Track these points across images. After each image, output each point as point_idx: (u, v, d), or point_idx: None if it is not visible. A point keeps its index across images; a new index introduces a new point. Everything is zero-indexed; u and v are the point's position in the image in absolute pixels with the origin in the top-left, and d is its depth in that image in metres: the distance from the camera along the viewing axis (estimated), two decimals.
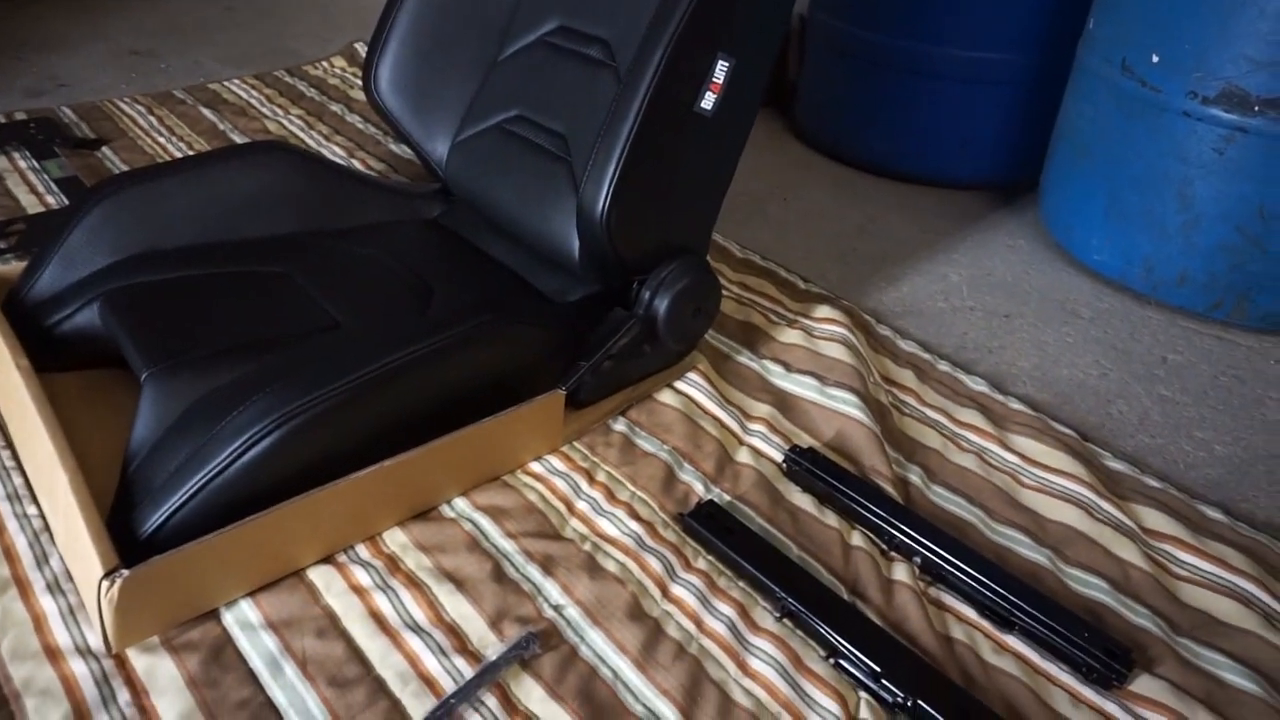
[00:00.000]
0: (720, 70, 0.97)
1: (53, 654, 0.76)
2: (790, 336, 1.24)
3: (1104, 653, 0.81)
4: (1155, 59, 1.31)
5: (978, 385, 1.21)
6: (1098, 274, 1.50)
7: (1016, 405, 1.17)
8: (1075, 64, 1.49)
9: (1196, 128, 1.28)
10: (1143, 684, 0.81)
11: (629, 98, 0.95)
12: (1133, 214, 1.39)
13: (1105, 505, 1.00)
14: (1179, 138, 1.31)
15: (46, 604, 0.80)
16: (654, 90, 0.93)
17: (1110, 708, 0.80)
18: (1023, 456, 1.08)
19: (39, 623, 0.78)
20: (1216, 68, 1.25)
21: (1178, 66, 1.29)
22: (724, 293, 1.31)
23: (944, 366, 1.25)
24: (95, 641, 0.77)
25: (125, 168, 1.55)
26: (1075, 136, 1.49)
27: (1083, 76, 1.47)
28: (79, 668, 0.75)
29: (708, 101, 0.97)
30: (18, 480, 0.92)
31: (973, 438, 1.11)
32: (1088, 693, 0.81)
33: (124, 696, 0.73)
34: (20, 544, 0.85)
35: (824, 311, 1.29)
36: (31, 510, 0.89)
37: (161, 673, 0.75)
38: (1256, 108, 1.23)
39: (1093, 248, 1.48)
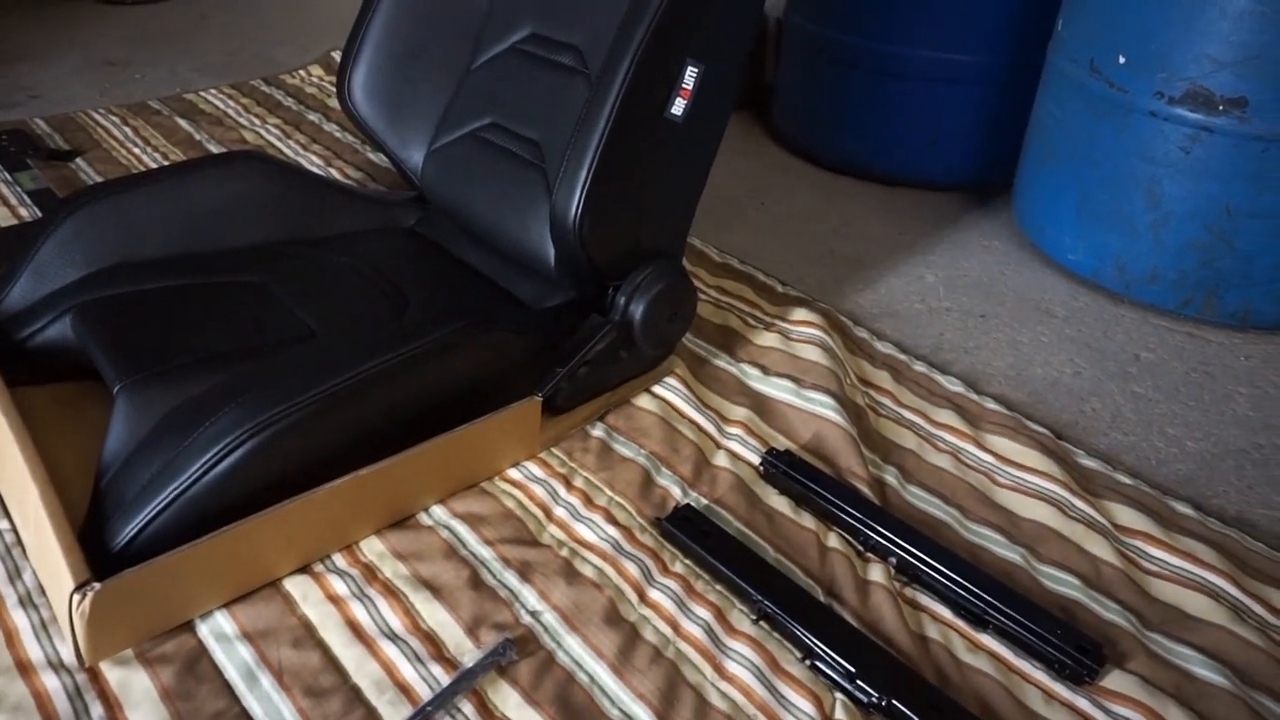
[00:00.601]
0: (689, 76, 0.97)
1: (25, 669, 0.75)
2: (767, 340, 1.25)
3: (1076, 649, 0.82)
4: (1122, 60, 1.33)
5: (954, 386, 1.22)
6: (1071, 273, 1.51)
7: (992, 405, 1.18)
8: (1045, 65, 1.51)
9: (1163, 127, 1.30)
10: (1114, 679, 0.82)
11: (599, 104, 0.95)
12: (1103, 213, 1.41)
13: (1078, 503, 1.01)
14: (1146, 137, 1.32)
15: (19, 618, 0.79)
16: (623, 96, 0.94)
17: (1082, 704, 0.80)
18: (997, 456, 1.09)
19: (11, 638, 0.78)
20: (1181, 68, 1.27)
21: (1144, 67, 1.30)
22: (702, 296, 1.32)
23: (920, 367, 1.26)
24: (68, 655, 0.76)
25: (100, 179, 1.54)
26: (1046, 137, 1.50)
27: (1052, 77, 1.49)
28: (51, 682, 0.74)
29: (678, 107, 0.98)
30: None
31: (948, 438, 1.12)
32: (1060, 689, 0.82)
33: (97, 711, 0.73)
34: None
35: (801, 314, 1.29)
36: (3, 525, 0.88)
37: (135, 686, 0.74)
38: (1221, 107, 1.25)
39: (1066, 247, 1.49)
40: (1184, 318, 1.41)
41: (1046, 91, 1.51)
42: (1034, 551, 0.96)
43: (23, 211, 1.43)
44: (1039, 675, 0.83)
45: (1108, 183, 1.39)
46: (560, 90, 1.10)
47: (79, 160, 1.62)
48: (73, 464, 0.86)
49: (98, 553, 0.76)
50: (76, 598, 0.72)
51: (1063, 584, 0.92)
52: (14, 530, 0.87)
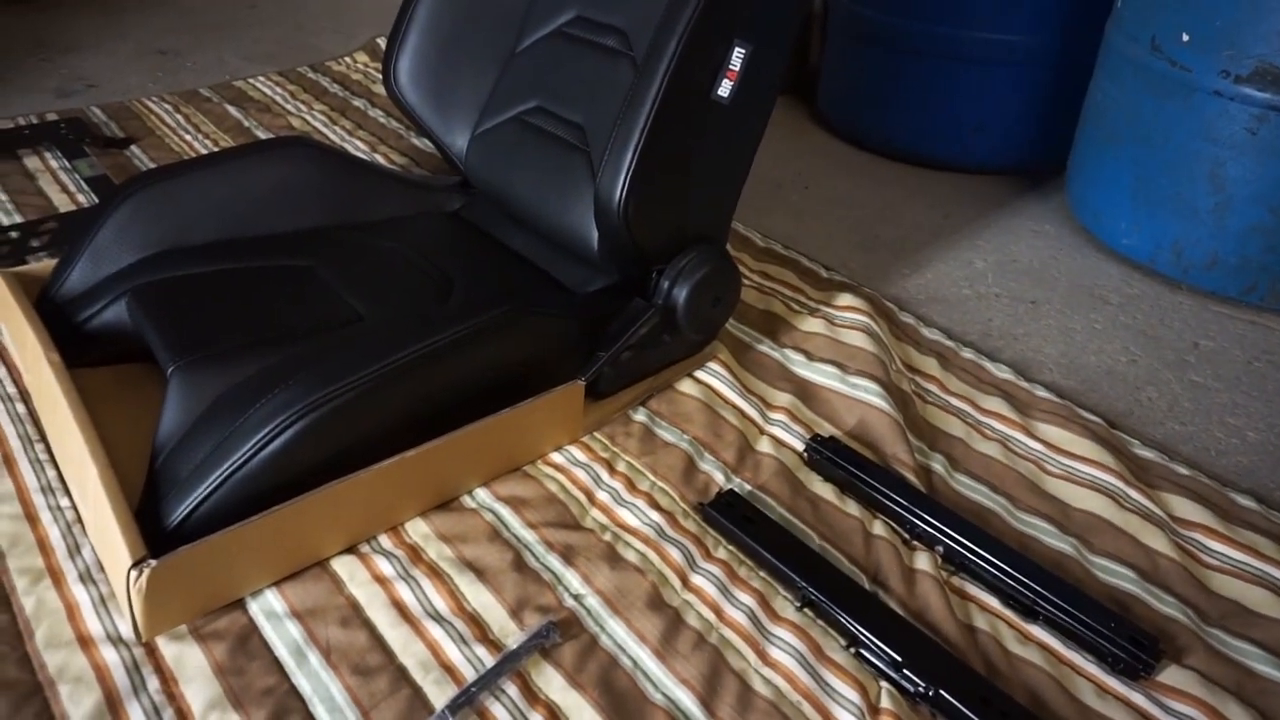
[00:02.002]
0: (736, 58, 0.96)
1: (85, 642, 0.77)
2: (812, 325, 1.24)
3: (1130, 643, 0.80)
4: (1185, 37, 1.28)
5: (1002, 372, 1.19)
6: (1126, 259, 1.47)
7: (1042, 393, 1.15)
8: (1103, 44, 1.46)
9: (1228, 107, 1.26)
10: (1171, 675, 0.80)
11: (645, 86, 0.94)
12: (1162, 197, 1.37)
13: (1133, 493, 0.98)
14: (1210, 118, 1.28)
15: (79, 594, 0.82)
16: (670, 78, 0.93)
17: (1137, 699, 0.78)
18: (1048, 444, 1.06)
19: (72, 612, 0.80)
20: (1249, 45, 1.22)
21: (1209, 44, 1.26)
22: (745, 282, 1.30)
23: (968, 354, 1.23)
24: (126, 630, 0.78)
25: (153, 165, 1.57)
26: (1103, 119, 1.46)
27: (1110, 57, 1.44)
28: (110, 656, 0.76)
29: (724, 89, 0.97)
30: (51, 473, 0.94)
31: (997, 425, 1.09)
32: (1114, 683, 0.80)
33: (154, 684, 0.74)
34: (54, 535, 0.87)
35: (846, 300, 1.28)
36: (64, 502, 0.91)
37: (190, 661, 0.76)
38: None
39: (1121, 232, 1.45)
40: (1246, 305, 1.36)
41: (1103, 71, 1.47)
42: (1086, 542, 0.94)
43: (80, 198, 1.47)
44: (1091, 669, 0.81)
45: (1168, 165, 1.35)
46: (605, 73, 1.09)
47: (134, 147, 1.65)
48: (129, 444, 0.88)
49: (153, 531, 0.77)
50: (134, 574, 0.73)
51: (1117, 576, 0.90)
52: (74, 508, 0.90)
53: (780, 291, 1.33)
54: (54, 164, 1.57)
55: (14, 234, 1.34)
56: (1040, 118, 1.68)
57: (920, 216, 1.61)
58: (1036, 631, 0.84)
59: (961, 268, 1.46)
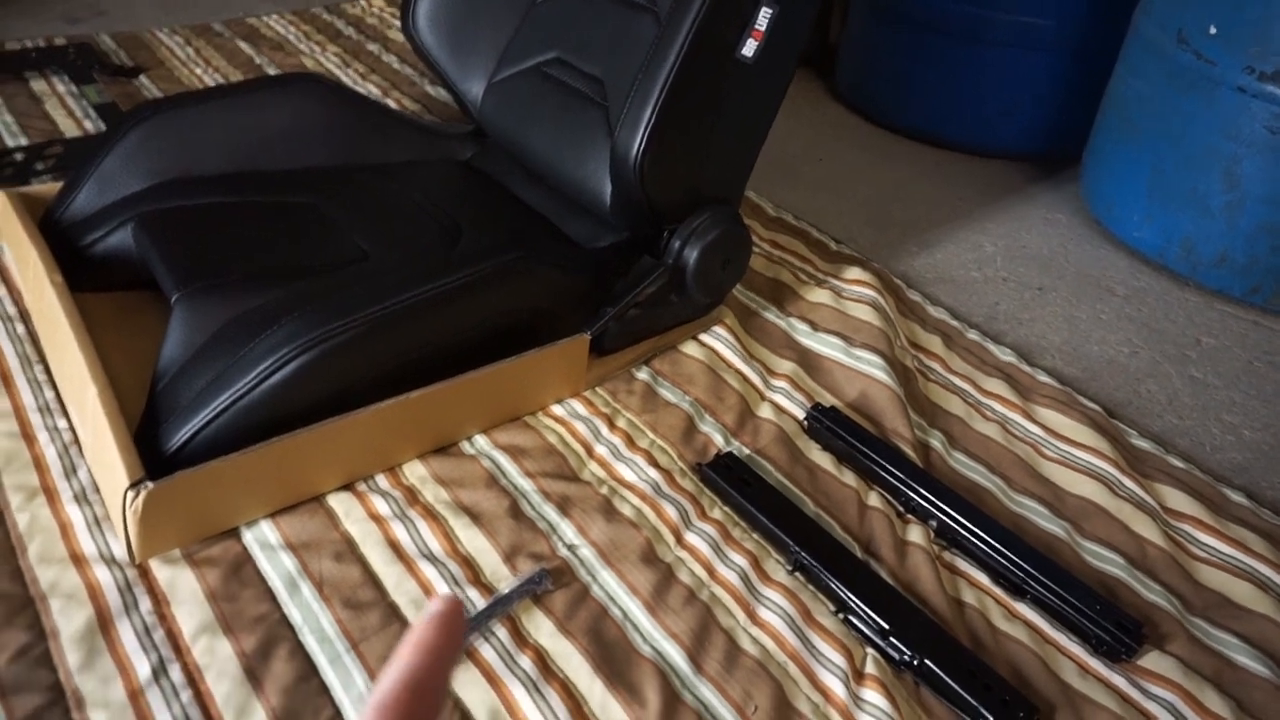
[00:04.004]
0: (763, 17, 0.95)
1: (78, 560, 0.77)
2: (819, 296, 1.23)
3: (1115, 626, 0.81)
4: (1213, 31, 1.27)
5: (1006, 355, 1.19)
6: (1136, 252, 1.47)
7: (1044, 378, 1.16)
8: (1130, 33, 1.45)
9: (1250, 104, 1.25)
10: (1152, 660, 0.81)
11: (669, 41, 0.93)
12: (1176, 191, 1.36)
13: (1127, 482, 0.99)
14: (1231, 114, 1.27)
15: (73, 513, 0.82)
16: (694, 34, 0.92)
17: (1117, 681, 0.79)
18: (1046, 429, 1.07)
19: (65, 530, 0.80)
20: (1277, 42, 1.21)
21: (1236, 40, 1.25)
22: (755, 249, 1.30)
23: (973, 335, 1.23)
24: (119, 551, 0.78)
25: (162, 96, 1.55)
26: (1122, 109, 1.45)
27: (1135, 46, 1.43)
28: (103, 575, 0.76)
29: (749, 48, 0.96)
30: (49, 394, 0.93)
31: (997, 407, 1.10)
32: (1095, 664, 0.81)
33: (145, 605, 0.75)
34: (50, 455, 0.87)
35: (854, 273, 1.27)
36: (62, 424, 0.90)
37: (182, 585, 0.76)
38: None
39: (1132, 225, 1.45)
40: (1250, 305, 1.36)
41: (1127, 61, 1.45)
42: (1078, 527, 0.94)
43: (88, 124, 1.45)
44: (1075, 649, 0.82)
45: (1185, 160, 1.34)
46: (627, 27, 1.08)
47: (142, 77, 1.63)
48: (129, 370, 0.88)
49: (151, 455, 0.77)
50: (130, 495, 0.73)
51: (1106, 561, 0.90)
52: (71, 429, 0.90)
53: (789, 261, 1.32)
54: (61, 89, 1.55)
55: (19, 156, 1.32)
56: (1059, 105, 1.67)
57: (933, 197, 1.60)
58: (1023, 610, 0.85)
59: (971, 250, 1.45)
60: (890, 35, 1.75)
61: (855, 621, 0.80)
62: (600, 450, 0.95)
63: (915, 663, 0.76)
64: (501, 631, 0.76)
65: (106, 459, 0.77)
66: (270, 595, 0.77)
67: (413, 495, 0.87)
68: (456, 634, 0.24)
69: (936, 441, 1.03)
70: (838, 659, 0.77)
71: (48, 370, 0.96)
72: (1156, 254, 1.42)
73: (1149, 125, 1.39)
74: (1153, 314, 1.34)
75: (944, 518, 0.90)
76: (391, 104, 1.63)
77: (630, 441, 0.96)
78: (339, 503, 0.86)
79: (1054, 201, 1.62)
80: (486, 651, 0.74)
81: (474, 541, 0.83)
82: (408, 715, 0.21)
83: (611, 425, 0.98)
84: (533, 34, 1.20)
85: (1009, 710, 0.73)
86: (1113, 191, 1.48)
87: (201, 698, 0.69)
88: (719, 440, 0.98)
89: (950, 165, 1.71)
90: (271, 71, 1.71)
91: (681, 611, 0.79)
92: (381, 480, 0.89)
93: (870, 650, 0.78)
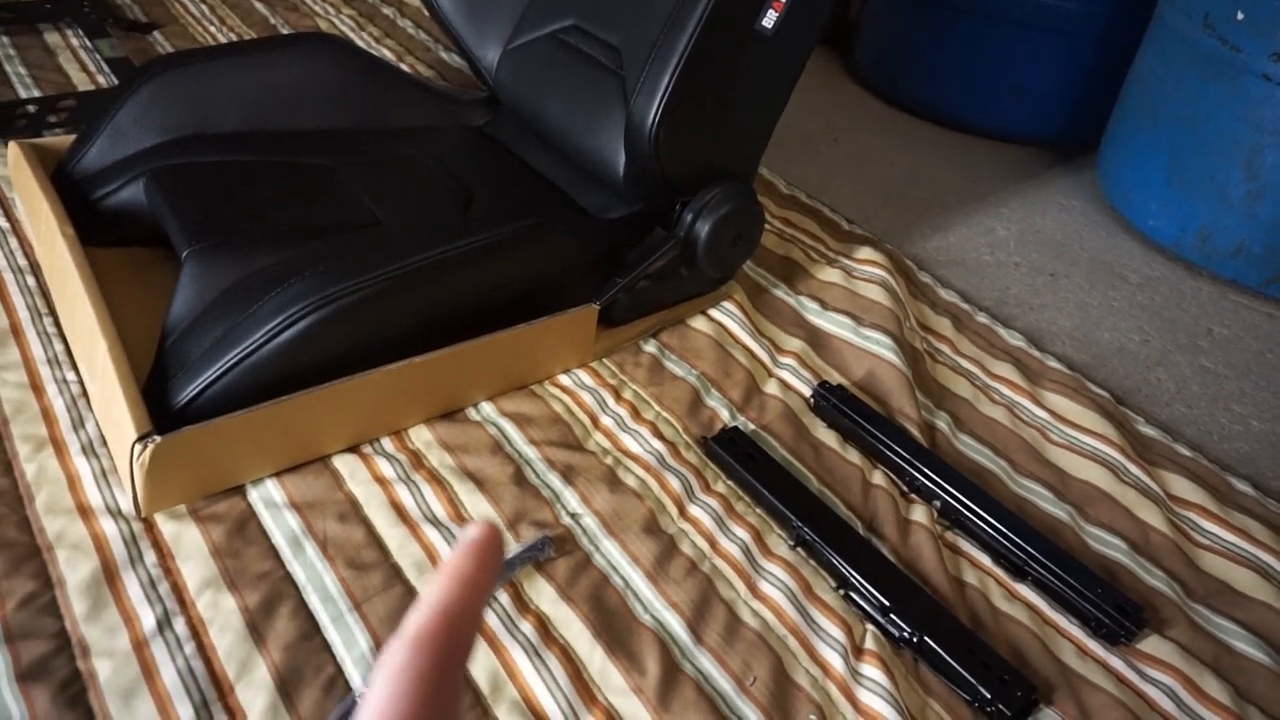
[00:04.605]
0: None
1: (85, 512, 0.78)
2: (829, 275, 1.23)
3: (1115, 609, 0.81)
4: (1240, 16, 1.25)
5: (1015, 340, 1.19)
6: (1150, 240, 1.45)
7: (1053, 363, 1.15)
8: (1154, 17, 1.43)
9: (1276, 93, 1.23)
10: (1151, 643, 0.81)
11: (688, 10, 0.92)
12: (1195, 180, 1.35)
13: (1133, 468, 0.99)
14: (1255, 102, 1.25)
15: (81, 465, 0.82)
16: (715, 3, 0.91)
17: (1116, 663, 0.80)
18: (1054, 413, 1.06)
19: (73, 482, 0.80)
20: None
21: (1264, 26, 1.23)
22: (766, 227, 1.29)
23: (982, 318, 1.23)
24: (126, 504, 0.79)
25: None
26: (1144, 95, 1.43)
27: (1159, 31, 1.41)
28: (109, 527, 0.77)
29: (769, 19, 0.94)
30: (58, 346, 0.94)
31: (1005, 391, 1.09)
32: (1095, 646, 0.81)
33: (150, 558, 0.75)
34: (58, 407, 0.87)
35: (865, 253, 1.26)
36: (70, 376, 0.91)
37: (187, 540, 0.77)
38: None
39: (1149, 213, 1.43)
40: (1265, 297, 1.35)
41: (1150, 46, 1.44)
42: (1082, 511, 0.94)
43: (100, 79, 1.44)
44: (1074, 630, 0.82)
45: (1205, 147, 1.33)
46: None
47: (156, 33, 1.62)
48: (139, 324, 0.88)
49: (159, 410, 0.77)
50: (138, 448, 0.74)
51: (1109, 546, 0.90)
52: (80, 382, 0.90)
53: (800, 239, 1.31)
54: (74, 42, 1.54)
55: (31, 108, 1.32)
56: (1080, 90, 1.65)
57: (948, 179, 1.59)
58: (1024, 591, 0.85)
59: (984, 234, 1.44)
60: (911, 16, 1.73)
61: (856, 598, 0.80)
62: (606, 421, 0.95)
63: (915, 640, 0.77)
64: (503, 597, 0.76)
65: (114, 412, 0.78)
66: (274, 553, 0.77)
67: (418, 459, 0.88)
68: (494, 564, 0.23)
69: (943, 423, 1.03)
70: (838, 634, 0.77)
71: (58, 323, 0.96)
72: (1172, 243, 1.41)
73: (1170, 112, 1.37)
74: (1165, 303, 1.33)
75: (948, 498, 0.90)
76: (405, 69, 1.62)
77: (636, 413, 0.96)
78: (344, 464, 0.86)
79: (1070, 187, 1.61)
80: (487, 616, 0.75)
81: (478, 507, 0.84)
82: (442, 648, 0.21)
83: (618, 396, 0.98)
84: (550, 1, 1.19)
85: (1007, 689, 0.73)
86: (1130, 178, 1.47)
87: (205, 651, 0.69)
88: (725, 415, 0.98)
89: (966, 149, 1.69)
90: (286, 31, 1.69)
91: (683, 582, 0.79)
92: (387, 443, 0.89)
93: (870, 626, 0.79)
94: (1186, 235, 1.38)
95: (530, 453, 0.90)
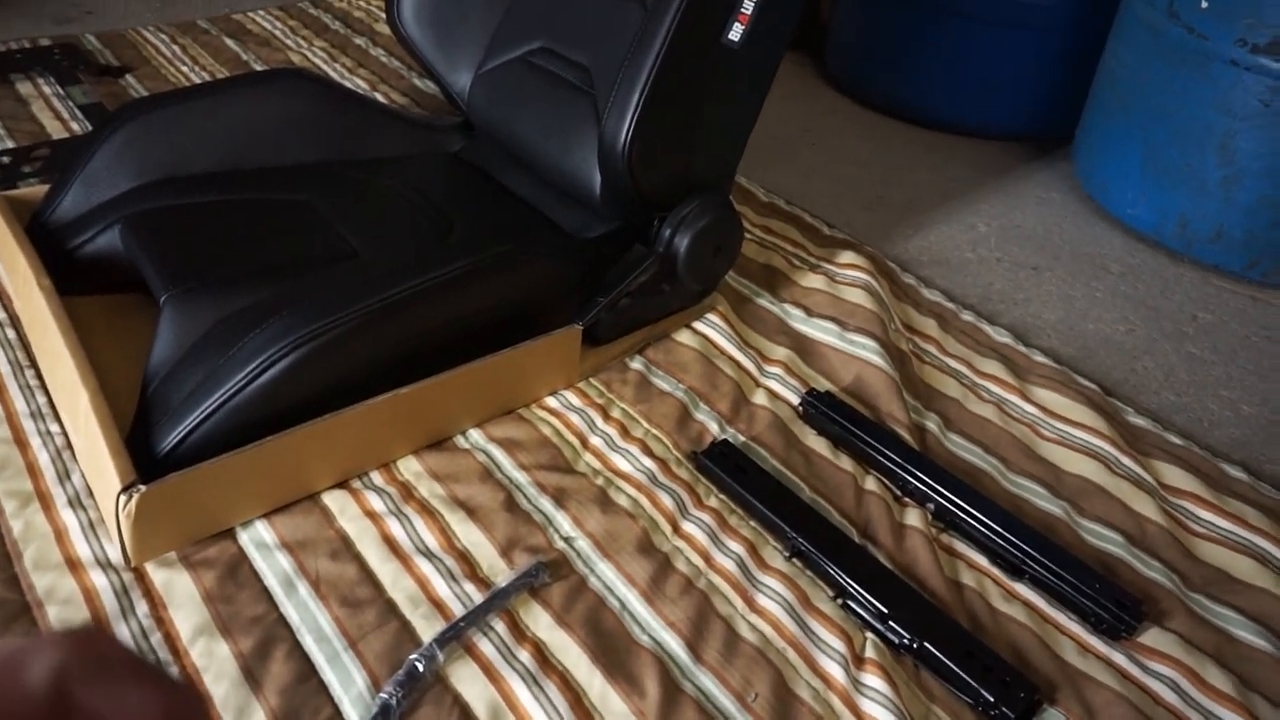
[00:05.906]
0: (749, 1, 0.94)
1: (74, 565, 0.77)
2: (812, 281, 1.23)
3: (1114, 604, 0.81)
4: (1204, 4, 1.26)
5: (1001, 336, 1.19)
6: (1131, 229, 1.46)
7: (1040, 358, 1.15)
8: (1121, 8, 1.44)
9: (1244, 78, 1.24)
10: (1152, 636, 0.81)
11: (654, 26, 0.92)
12: (1171, 167, 1.35)
13: (1125, 460, 0.99)
14: (1225, 88, 1.26)
15: (68, 518, 0.81)
16: (680, 19, 0.91)
17: (1118, 658, 0.79)
18: (1043, 409, 1.06)
19: (60, 536, 0.80)
20: (1269, 15, 1.20)
21: (1228, 13, 1.24)
22: (747, 236, 1.29)
23: (968, 316, 1.23)
24: (115, 555, 0.78)
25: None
26: (1115, 86, 1.44)
27: (1127, 22, 1.42)
28: (99, 579, 0.76)
29: (735, 33, 0.95)
30: (41, 399, 0.93)
31: (993, 388, 1.09)
32: (1096, 642, 0.81)
33: (142, 608, 0.74)
34: (43, 460, 0.87)
35: (847, 257, 1.27)
36: (54, 428, 0.90)
37: (179, 587, 0.76)
38: None
39: (1127, 202, 1.44)
40: (1247, 281, 1.36)
41: (1119, 37, 1.44)
42: (1077, 506, 0.94)
43: (74, 125, 1.44)
44: (1074, 627, 0.82)
45: (1178, 135, 1.33)
46: (613, 14, 1.07)
47: (129, 77, 1.62)
48: (120, 372, 0.87)
49: (144, 457, 0.77)
50: (123, 499, 0.73)
51: (1105, 540, 0.90)
52: (64, 434, 0.89)
53: (782, 247, 1.32)
54: (47, 90, 1.54)
55: (5, 159, 1.32)
56: (1052, 84, 1.66)
57: (925, 179, 1.59)
58: (1022, 590, 0.85)
59: (965, 231, 1.45)
60: (881, 17, 1.74)
61: (854, 606, 0.80)
62: (595, 441, 0.95)
63: (915, 646, 0.76)
64: (500, 625, 0.76)
65: (99, 463, 0.77)
66: (267, 595, 0.76)
67: (408, 491, 0.87)
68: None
69: (932, 424, 1.03)
70: (837, 644, 0.77)
71: (39, 375, 0.96)
72: (1152, 231, 1.42)
73: (1141, 102, 1.38)
74: (1149, 291, 1.34)
75: (941, 500, 0.90)
76: (380, 98, 1.62)
77: (625, 431, 0.96)
78: (333, 500, 0.85)
79: (1048, 180, 1.61)
80: (485, 646, 0.74)
81: (470, 536, 0.83)
82: None
83: (606, 416, 0.98)
84: (518, 24, 1.19)
85: (1009, 691, 0.73)
86: (1106, 169, 1.48)
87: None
88: (714, 428, 0.98)
89: (943, 147, 1.70)
90: (258, 67, 1.70)
91: (679, 600, 0.79)
92: (376, 477, 0.88)
93: (869, 634, 0.78)
94: (1166, 223, 1.39)
95: (520, 478, 0.90)
